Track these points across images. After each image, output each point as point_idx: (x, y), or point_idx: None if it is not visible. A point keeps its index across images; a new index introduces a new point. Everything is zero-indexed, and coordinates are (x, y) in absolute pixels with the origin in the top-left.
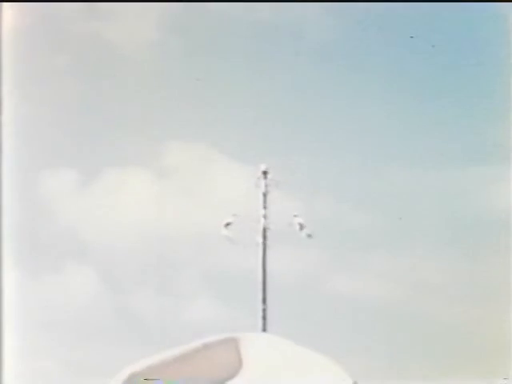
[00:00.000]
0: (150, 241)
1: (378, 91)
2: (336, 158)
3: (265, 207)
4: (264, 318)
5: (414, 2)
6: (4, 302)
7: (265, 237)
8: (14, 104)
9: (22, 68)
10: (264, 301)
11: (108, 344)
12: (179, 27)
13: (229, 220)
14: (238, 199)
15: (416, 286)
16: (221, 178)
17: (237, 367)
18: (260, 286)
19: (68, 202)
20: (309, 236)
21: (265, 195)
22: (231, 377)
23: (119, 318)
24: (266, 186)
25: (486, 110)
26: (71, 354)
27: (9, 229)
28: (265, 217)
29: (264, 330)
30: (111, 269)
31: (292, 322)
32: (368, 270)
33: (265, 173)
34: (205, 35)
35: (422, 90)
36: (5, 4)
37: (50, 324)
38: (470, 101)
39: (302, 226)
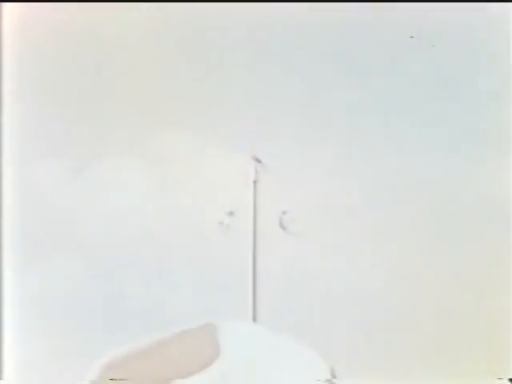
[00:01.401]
0: (141, 230)
1: (375, 78)
2: (330, 144)
3: (255, 196)
4: (254, 307)
5: (413, 2)
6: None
7: (255, 225)
8: (7, 93)
9: (18, 58)
10: (254, 290)
11: (98, 332)
12: (172, 14)
13: (222, 218)
14: (228, 188)
15: (410, 277)
16: (212, 166)
17: (214, 354)
18: (250, 276)
19: (58, 192)
20: (293, 230)
21: (255, 183)
22: (209, 363)
23: (109, 306)
24: (257, 173)
25: (486, 109)
26: (62, 342)
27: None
28: (255, 206)
29: (254, 319)
30: (101, 258)
31: (282, 312)
32: (361, 260)
33: (255, 160)
34: (197, 25)
35: (421, 85)
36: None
37: (41, 313)
38: (468, 100)
39: (291, 220)
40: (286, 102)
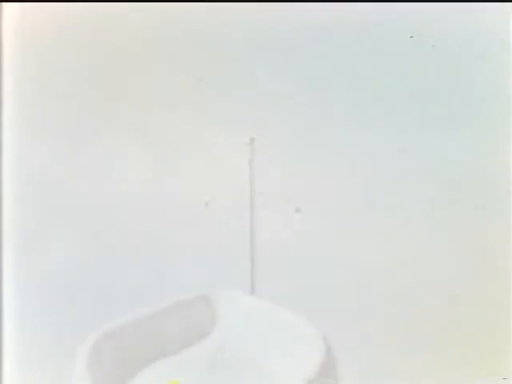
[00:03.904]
0: (139, 208)
1: (371, 56)
2: (326, 119)
3: (251, 173)
4: (252, 282)
5: (414, 2)
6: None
7: (252, 203)
8: (9, 72)
9: (19, 41)
10: (252, 264)
11: (95, 308)
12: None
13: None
14: (225, 165)
15: (410, 250)
16: (209, 144)
17: (210, 324)
18: (248, 251)
19: (57, 172)
20: (297, 210)
21: (251, 161)
22: (205, 334)
23: (107, 284)
24: (252, 152)
25: (486, 110)
26: (62, 319)
27: None
28: (251, 184)
29: (252, 292)
30: (100, 237)
31: (280, 284)
32: (359, 234)
33: (251, 140)
34: (195, 13)
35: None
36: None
37: (38, 292)
38: (468, 101)
39: (297, 210)
40: (284, 87)
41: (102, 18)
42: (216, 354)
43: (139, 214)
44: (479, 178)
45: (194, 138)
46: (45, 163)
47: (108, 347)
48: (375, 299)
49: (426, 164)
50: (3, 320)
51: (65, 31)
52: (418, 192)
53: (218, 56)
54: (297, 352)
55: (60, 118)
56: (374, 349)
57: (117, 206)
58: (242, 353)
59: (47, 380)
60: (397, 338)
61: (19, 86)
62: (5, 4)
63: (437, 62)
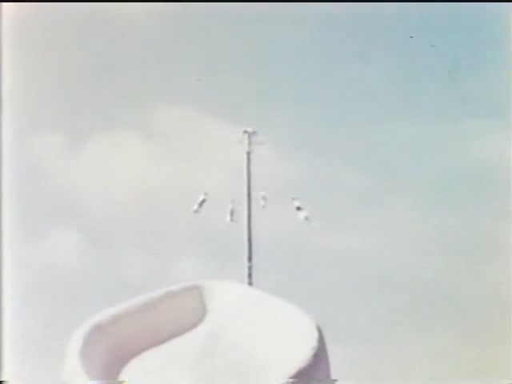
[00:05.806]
0: (139, 203)
1: (369, 49)
2: (324, 115)
3: (249, 166)
4: (250, 275)
5: (414, 2)
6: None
7: (249, 195)
8: (9, 69)
9: (20, 35)
10: (250, 259)
11: (95, 305)
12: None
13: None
14: (225, 160)
15: (406, 243)
16: (209, 139)
17: (201, 314)
18: (246, 244)
19: (58, 166)
20: (297, 204)
21: (249, 154)
22: (196, 324)
23: (107, 279)
24: (250, 144)
25: (486, 110)
26: (59, 316)
27: None
28: (249, 175)
29: (250, 284)
30: (100, 231)
31: (278, 279)
32: (356, 227)
33: (249, 132)
34: (194, 10)
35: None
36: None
37: (38, 286)
38: (469, 102)
39: (299, 209)
40: (282, 78)
41: (102, 18)
42: (208, 343)
43: (138, 210)
44: (480, 174)
45: (195, 133)
46: (45, 160)
47: (100, 337)
48: (374, 297)
49: (425, 162)
50: (3, 318)
51: (65, 30)
52: (418, 191)
53: (217, 54)
54: (289, 341)
55: (59, 116)
56: (373, 347)
57: (116, 203)
58: (234, 341)
59: (45, 373)
60: (397, 338)
61: (19, 84)
62: (4, 4)
63: (436, 62)
